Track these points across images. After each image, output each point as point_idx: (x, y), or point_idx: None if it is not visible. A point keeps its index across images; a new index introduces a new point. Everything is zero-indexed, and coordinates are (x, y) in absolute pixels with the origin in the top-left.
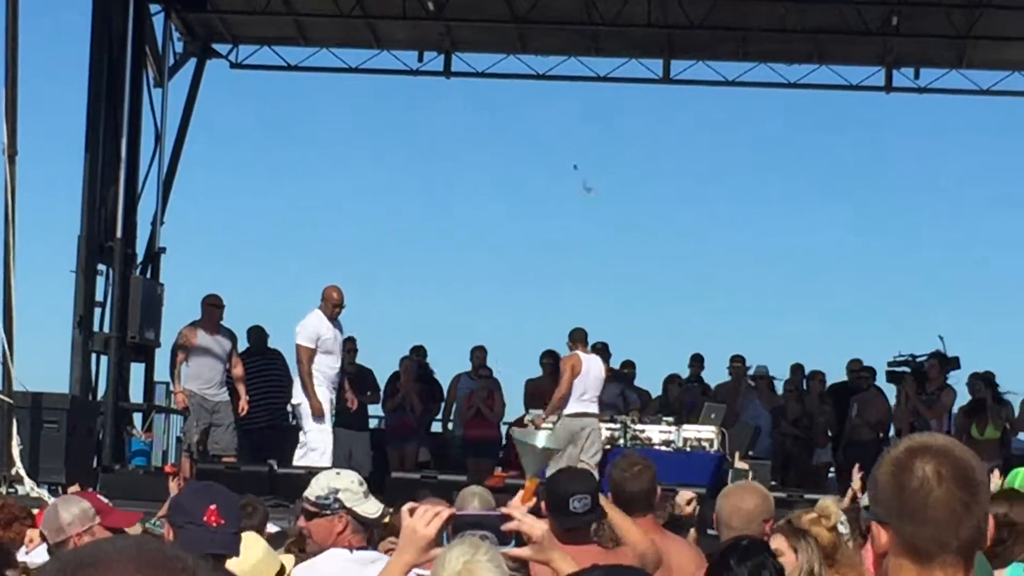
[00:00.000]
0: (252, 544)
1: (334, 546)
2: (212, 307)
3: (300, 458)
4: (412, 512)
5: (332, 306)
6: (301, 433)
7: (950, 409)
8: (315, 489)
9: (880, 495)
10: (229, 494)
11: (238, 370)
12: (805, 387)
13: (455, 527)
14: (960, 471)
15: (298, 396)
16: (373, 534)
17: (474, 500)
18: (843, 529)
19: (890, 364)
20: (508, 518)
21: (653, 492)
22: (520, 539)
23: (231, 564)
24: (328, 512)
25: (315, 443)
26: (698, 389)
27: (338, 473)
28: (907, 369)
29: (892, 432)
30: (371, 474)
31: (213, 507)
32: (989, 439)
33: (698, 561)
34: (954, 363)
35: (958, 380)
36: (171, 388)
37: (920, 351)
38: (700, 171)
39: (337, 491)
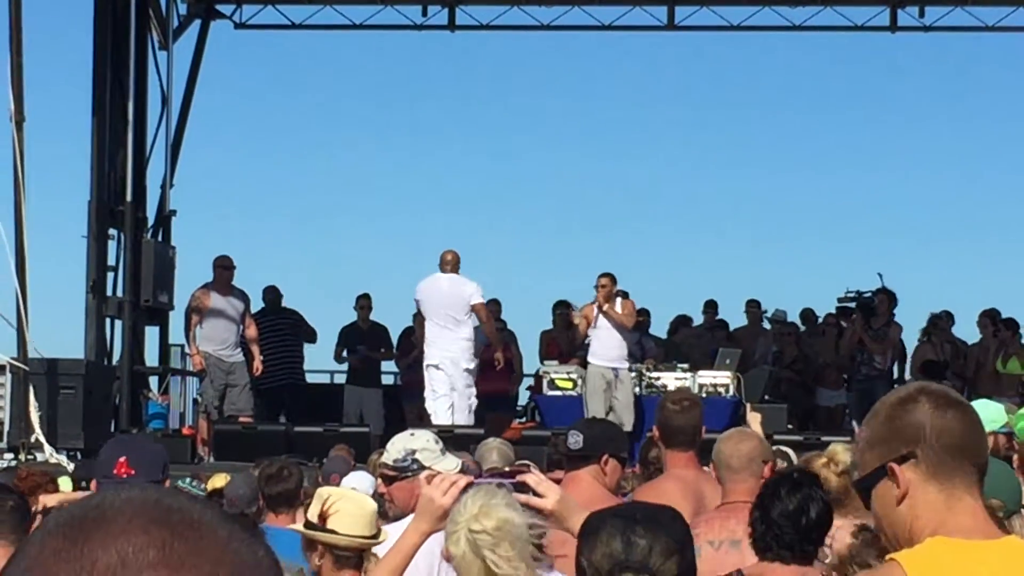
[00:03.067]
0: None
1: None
2: (222, 268)
3: None
4: (430, 480)
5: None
6: None
7: (896, 343)
8: (392, 453)
9: (892, 436)
10: (146, 446)
11: (252, 331)
12: (821, 330)
13: None
14: (961, 401)
15: None
16: None
17: (492, 454)
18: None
19: (840, 300)
20: (523, 486)
21: (699, 429)
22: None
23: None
24: (408, 474)
25: None
26: (723, 334)
27: (412, 434)
28: (853, 305)
29: (905, 371)
30: (384, 430)
31: (123, 459)
32: (1011, 373)
33: None
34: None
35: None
36: (187, 350)
37: (865, 288)
38: (706, 116)
39: (414, 452)
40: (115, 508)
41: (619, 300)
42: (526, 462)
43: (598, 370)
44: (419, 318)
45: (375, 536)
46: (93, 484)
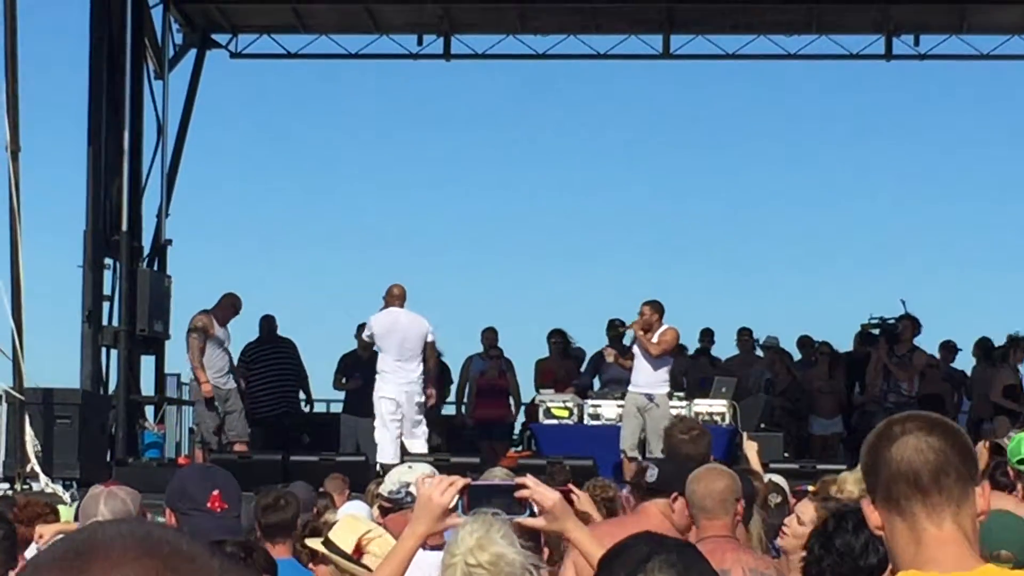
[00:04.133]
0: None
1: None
2: (233, 308)
3: None
4: (427, 481)
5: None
6: None
7: (921, 370)
8: (388, 484)
9: (868, 470)
10: (229, 478)
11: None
12: (814, 359)
13: (470, 496)
14: (937, 425)
15: None
16: None
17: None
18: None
19: (863, 327)
20: (522, 487)
21: (708, 459)
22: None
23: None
24: (403, 506)
25: None
26: (707, 362)
27: (410, 467)
28: (878, 332)
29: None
30: (379, 460)
31: (216, 492)
32: None
33: None
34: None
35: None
36: (195, 375)
37: (889, 314)
38: (702, 145)
39: (408, 485)
40: (108, 541)
41: (662, 328)
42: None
43: (633, 396)
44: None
45: None
46: (169, 515)
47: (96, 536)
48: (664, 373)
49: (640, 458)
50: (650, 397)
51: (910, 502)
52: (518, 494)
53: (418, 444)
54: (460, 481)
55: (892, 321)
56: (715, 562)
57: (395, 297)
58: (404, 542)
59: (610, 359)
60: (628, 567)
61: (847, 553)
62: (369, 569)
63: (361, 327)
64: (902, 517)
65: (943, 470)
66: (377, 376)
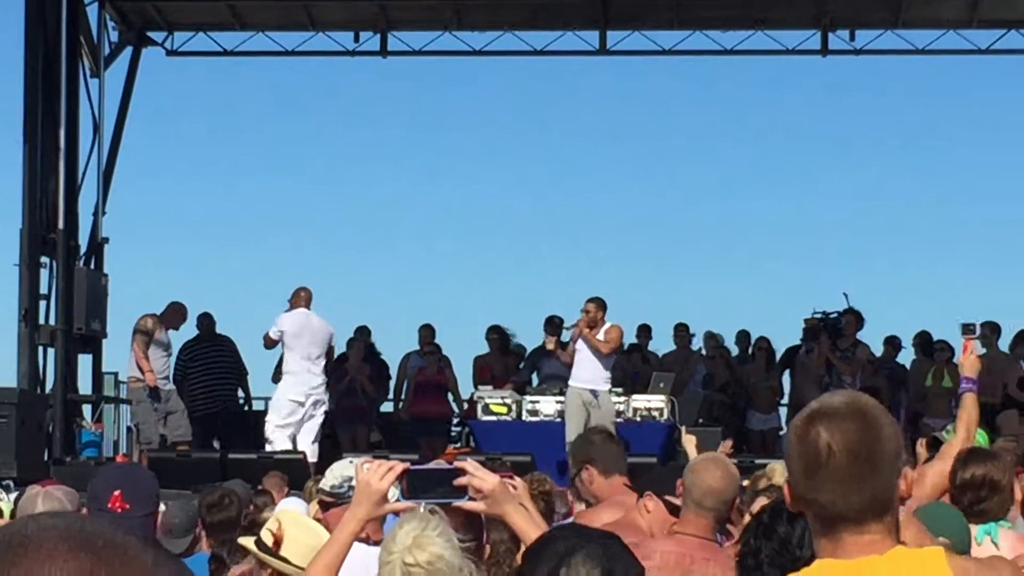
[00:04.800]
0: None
1: None
2: (179, 315)
3: None
4: (366, 467)
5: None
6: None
7: (864, 363)
8: (329, 479)
9: (787, 456)
10: (140, 479)
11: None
12: (751, 353)
13: (409, 481)
14: (855, 442)
15: None
16: None
17: None
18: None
19: (806, 321)
20: (461, 472)
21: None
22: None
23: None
24: (345, 501)
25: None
26: (639, 358)
27: (351, 461)
28: (820, 326)
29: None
30: (321, 457)
31: (117, 492)
32: (946, 389)
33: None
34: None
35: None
36: (139, 366)
37: (832, 308)
38: (639, 140)
39: (351, 479)
40: (39, 535)
41: (606, 325)
42: (464, 456)
43: (576, 392)
44: (352, 344)
45: None
46: (85, 512)
47: (28, 529)
48: (607, 370)
49: None
50: (595, 393)
51: (828, 516)
52: (457, 481)
53: (308, 440)
54: (399, 466)
55: (835, 315)
56: (679, 568)
57: (302, 299)
58: (344, 526)
59: (551, 346)
60: (552, 560)
61: (785, 543)
62: (289, 563)
63: None
64: (818, 522)
65: (858, 492)
66: (285, 376)
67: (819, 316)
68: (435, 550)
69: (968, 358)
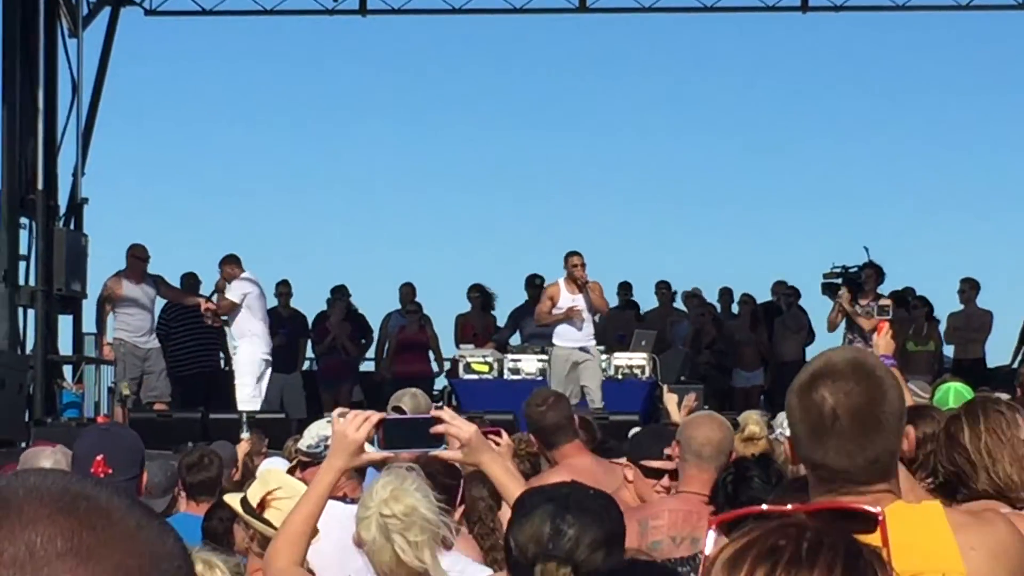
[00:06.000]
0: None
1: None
2: (136, 259)
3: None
4: (342, 416)
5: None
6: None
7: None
8: (306, 439)
9: (789, 416)
10: (123, 441)
11: (191, 299)
12: (736, 310)
13: (385, 430)
14: (859, 404)
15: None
16: None
17: (404, 397)
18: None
19: (825, 276)
20: (438, 420)
21: (571, 420)
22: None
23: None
24: (321, 460)
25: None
26: (632, 315)
27: (328, 421)
28: (839, 281)
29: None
30: (306, 417)
31: (100, 457)
32: (922, 351)
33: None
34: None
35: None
36: (97, 340)
37: (851, 263)
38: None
39: (327, 439)
40: (21, 497)
41: (589, 281)
42: (440, 404)
43: (564, 352)
44: (333, 303)
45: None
46: None
47: (9, 491)
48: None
49: None
50: (585, 350)
51: (828, 476)
52: (433, 429)
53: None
54: (375, 416)
55: (855, 269)
56: (691, 524)
57: (237, 265)
58: (322, 477)
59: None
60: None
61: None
62: (272, 526)
63: (281, 284)
64: (818, 480)
65: (861, 453)
66: (251, 337)
67: (838, 270)
68: (410, 502)
69: (884, 338)
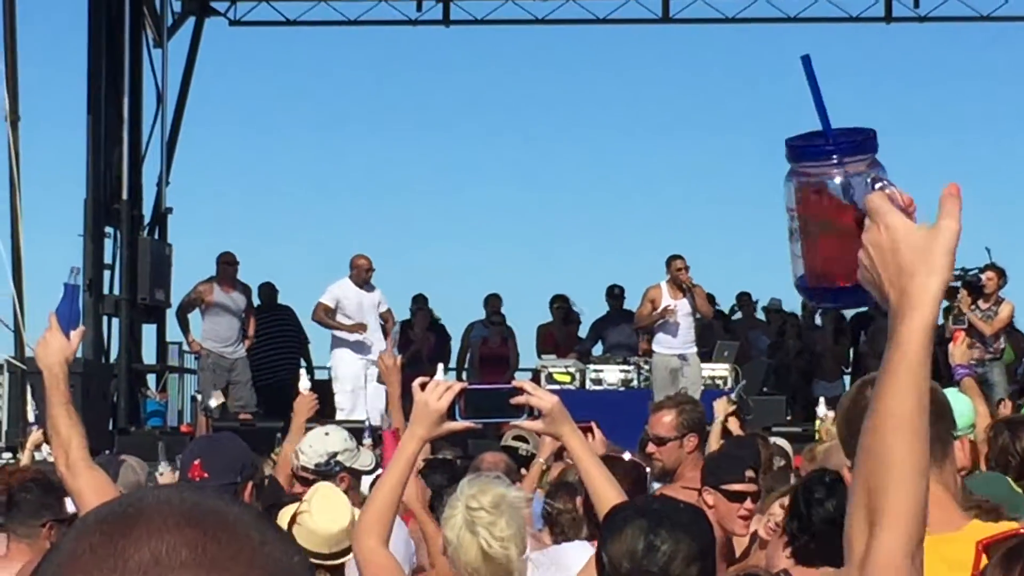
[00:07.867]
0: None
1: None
2: (226, 264)
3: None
4: (423, 387)
5: (360, 272)
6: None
7: (1009, 322)
8: (312, 457)
9: (838, 421)
10: (224, 448)
11: (251, 329)
12: (819, 321)
13: (467, 400)
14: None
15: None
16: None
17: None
18: None
19: None
20: (520, 390)
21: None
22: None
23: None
24: (330, 477)
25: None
26: (720, 326)
27: (327, 433)
28: (958, 284)
29: None
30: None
31: (197, 462)
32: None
33: None
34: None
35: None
36: (185, 340)
37: (970, 264)
38: (704, 105)
39: (335, 454)
40: (152, 507)
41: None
42: (523, 435)
43: (662, 360)
44: (416, 313)
45: (332, 556)
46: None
47: (144, 501)
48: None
49: None
50: (684, 357)
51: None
52: (515, 400)
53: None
54: (457, 385)
55: (974, 272)
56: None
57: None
58: (405, 446)
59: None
60: (637, 535)
61: (827, 521)
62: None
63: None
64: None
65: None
66: (343, 347)
67: (957, 272)
68: (498, 491)
69: (959, 347)
